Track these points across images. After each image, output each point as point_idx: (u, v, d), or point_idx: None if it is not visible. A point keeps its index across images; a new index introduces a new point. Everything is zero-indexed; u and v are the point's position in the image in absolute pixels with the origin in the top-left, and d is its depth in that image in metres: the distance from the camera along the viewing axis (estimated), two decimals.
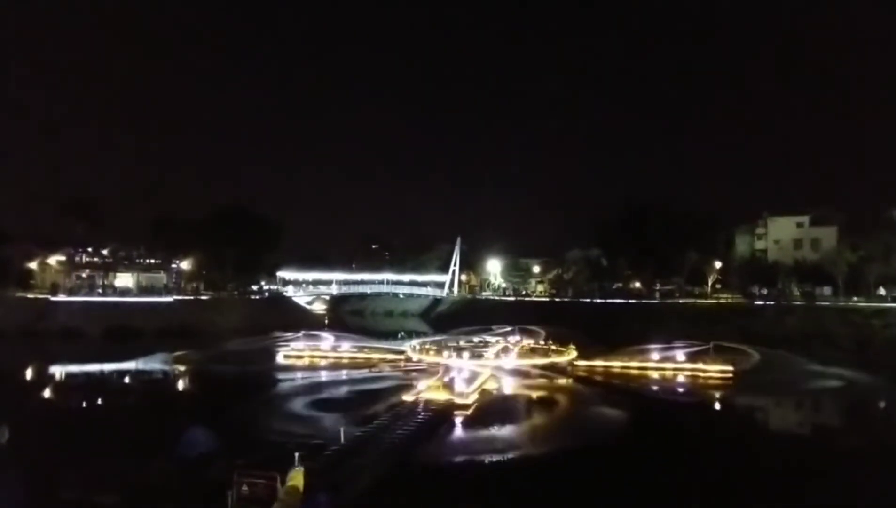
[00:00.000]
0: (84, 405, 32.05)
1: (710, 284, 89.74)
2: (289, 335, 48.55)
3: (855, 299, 72.72)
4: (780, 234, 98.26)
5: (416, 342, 49.35)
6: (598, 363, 41.52)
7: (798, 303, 74.98)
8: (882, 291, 75.30)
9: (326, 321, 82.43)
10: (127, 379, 40.97)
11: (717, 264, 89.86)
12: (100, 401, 33.53)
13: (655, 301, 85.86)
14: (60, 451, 20.88)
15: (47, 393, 36.41)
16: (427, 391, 27.80)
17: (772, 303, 76.36)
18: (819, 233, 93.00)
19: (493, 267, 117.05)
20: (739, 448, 24.06)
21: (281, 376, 40.70)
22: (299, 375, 41.03)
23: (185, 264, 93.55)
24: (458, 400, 27.32)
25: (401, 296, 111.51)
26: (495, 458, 21.15)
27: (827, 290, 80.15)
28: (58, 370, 43.94)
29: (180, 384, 40.25)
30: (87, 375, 43.20)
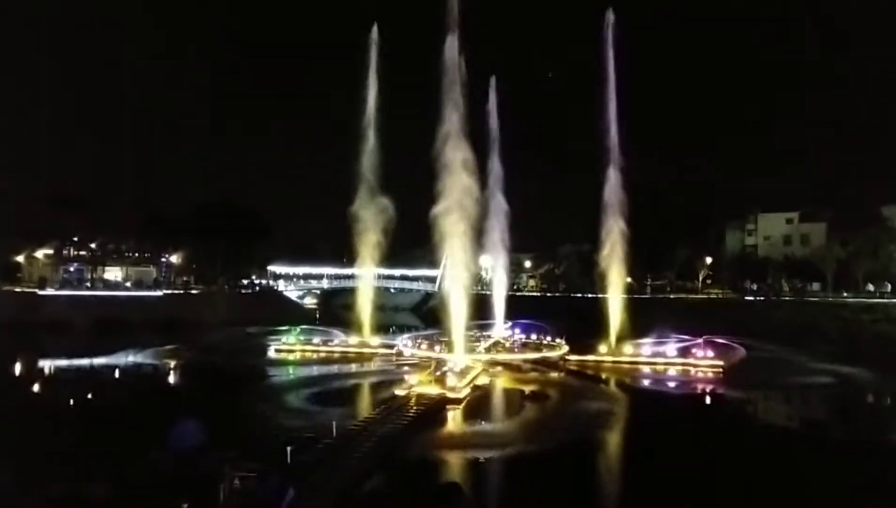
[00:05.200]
0: (72, 399, 31.72)
1: (700, 279, 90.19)
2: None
3: (844, 294, 73.34)
4: (771, 230, 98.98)
5: (407, 336, 49.24)
6: (590, 357, 41.63)
7: (788, 298, 75.56)
8: (871, 286, 76.02)
9: (318, 316, 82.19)
10: (116, 373, 40.62)
11: (708, 260, 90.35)
12: (88, 395, 33.21)
13: (646, 296, 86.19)
14: (48, 445, 20.66)
15: (35, 387, 36.05)
16: (419, 385, 27.72)
17: (762, 298, 76.89)
18: (809, 229, 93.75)
19: (485, 261, 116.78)
20: (727, 443, 24.15)
21: (272, 370, 40.52)
22: (290, 369, 40.89)
23: (175, 258, 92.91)
24: (450, 395, 27.27)
25: (392, 291, 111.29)
26: (486, 454, 21.15)
27: (816, 286, 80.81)
28: (46, 364, 43.50)
29: (170, 378, 39.97)
30: (76, 369, 42.85)
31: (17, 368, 41.75)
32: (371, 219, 48.40)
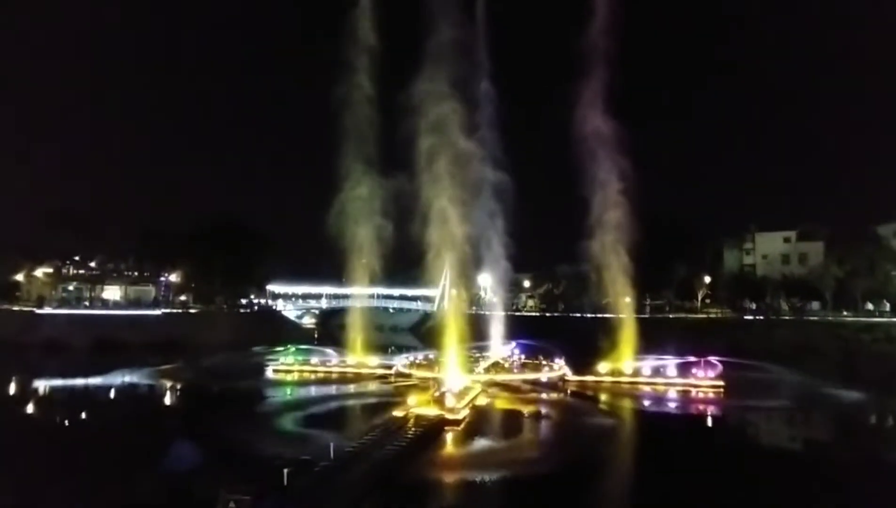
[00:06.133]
0: (66, 420, 31.47)
1: (699, 298, 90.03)
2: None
3: (844, 313, 73.26)
4: (768, 249, 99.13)
5: (406, 356, 49.04)
6: (590, 377, 41.41)
7: (787, 318, 75.42)
8: (870, 305, 76.00)
9: (316, 335, 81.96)
10: (112, 394, 40.32)
11: (707, 279, 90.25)
12: (84, 416, 32.92)
13: (646, 316, 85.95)
14: (41, 466, 20.47)
15: (30, 408, 35.74)
16: (417, 406, 27.55)
17: (761, 318, 76.75)
18: (806, 248, 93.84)
19: (484, 281, 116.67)
20: (729, 465, 23.92)
21: (270, 391, 40.27)
22: (288, 390, 40.65)
23: (174, 277, 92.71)
24: (449, 416, 27.08)
25: (391, 310, 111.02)
26: (486, 476, 20.94)
27: (816, 305, 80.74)
28: (41, 385, 43.18)
29: (166, 399, 39.68)
30: (72, 389, 42.53)
31: (12, 388, 41.42)
32: (364, 203, 47.99)
